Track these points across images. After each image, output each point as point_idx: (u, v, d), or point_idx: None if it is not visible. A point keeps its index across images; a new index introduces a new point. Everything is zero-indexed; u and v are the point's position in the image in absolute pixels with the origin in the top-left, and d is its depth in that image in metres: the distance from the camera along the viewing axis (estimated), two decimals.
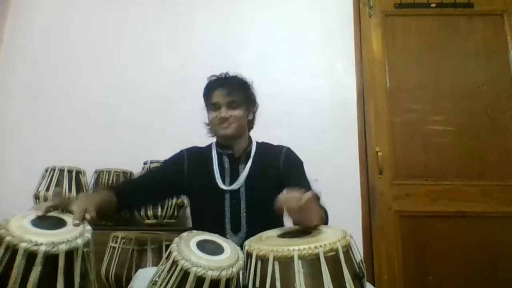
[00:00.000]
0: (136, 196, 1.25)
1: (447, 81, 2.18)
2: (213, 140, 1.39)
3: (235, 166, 1.30)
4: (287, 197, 0.90)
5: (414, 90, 2.19)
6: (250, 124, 1.38)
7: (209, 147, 1.37)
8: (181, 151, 1.36)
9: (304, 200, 0.85)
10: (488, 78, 2.17)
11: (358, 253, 0.85)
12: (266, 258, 0.78)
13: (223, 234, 1.19)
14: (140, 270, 1.11)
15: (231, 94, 1.26)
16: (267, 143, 1.39)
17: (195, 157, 1.34)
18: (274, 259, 0.77)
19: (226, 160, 1.31)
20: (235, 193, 1.27)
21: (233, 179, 1.28)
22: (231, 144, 1.32)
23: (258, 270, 0.80)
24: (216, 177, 1.27)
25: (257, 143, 1.37)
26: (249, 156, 1.31)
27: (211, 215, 1.27)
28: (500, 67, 2.19)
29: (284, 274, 0.76)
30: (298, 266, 0.75)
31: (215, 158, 1.32)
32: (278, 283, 0.75)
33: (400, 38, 2.28)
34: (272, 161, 1.31)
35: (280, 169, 1.30)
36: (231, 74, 1.35)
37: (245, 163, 1.30)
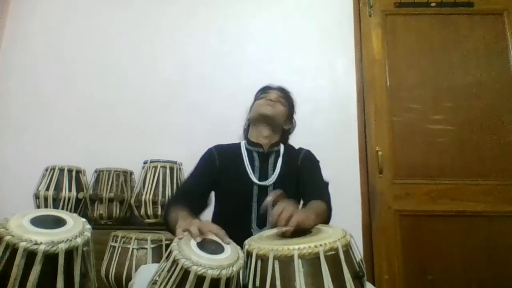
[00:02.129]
0: (199, 206, 1.26)
1: (447, 80, 2.18)
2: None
3: (265, 163, 1.36)
4: (276, 219, 0.91)
5: (414, 89, 2.19)
6: (285, 136, 1.50)
7: (237, 145, 1.44)
8: (209, 149, 1.42)
9: (291, 225, 0.86)
10: (488, 77, 2.17)
11: (358, 252, 0.85)
12: (266, 257, 0.78)
13: (248, 228, 1.26)
14: (142, 266, 1.11)
15: (281, 92, 1.46)
16: (290, 145, 1.48)
17: (224, 153, 1.39)
18: (274, 258, 0.77)
19: (256, 157, 1.37)
20: (263, 189, 1.31)
21: (262, 175, 1.33)
22: (262, 142, 1.39)
23: (258, 269, 0.79)
24: (249, 172, 1.33)
25: (284, 145, 1.45)
26: (279, 155, 1.39)
27: (238, 210, 1.30)
28: (500, 66, 2.19)
29: (284, 273, 0.76)
30: (298, 265, 0.75)
31: (245, 155, 1.37)
32: (278, 283, 0.75)
33: (400, 37, 2.28)
34: (293, 159, 1.39)
35: (298, 165, 1.38)
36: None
37: (275, 161, 1.37)
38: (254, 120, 1.42)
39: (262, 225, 1.27)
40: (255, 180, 1.31)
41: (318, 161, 1.42)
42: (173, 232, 1.16)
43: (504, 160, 2.05)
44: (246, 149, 1.40)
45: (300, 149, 1.45)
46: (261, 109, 1.39)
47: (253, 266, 0.80)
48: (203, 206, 1.33)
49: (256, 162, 1.36)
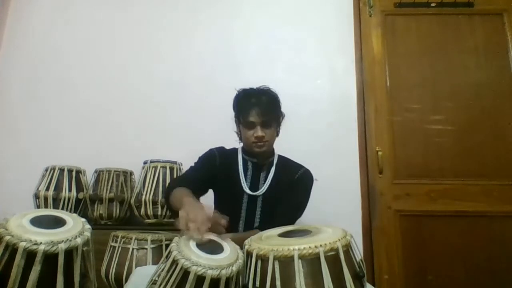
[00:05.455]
0: (198, 194, 1.26)
1: (447, 81, 2.18)
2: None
3: (257, 173, 1.39)
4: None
5: (414, 89, 2.19)
6: (276, 135, 1.43)
7: (234, 150, 1.45)
8: (211, 150, 1.42)
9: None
10: (488, 77, 2.17)
11: (358, 252, 0.85)
12: (266, 257, 0.78)
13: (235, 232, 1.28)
14: (138, 268, 1.11)
15: (265, 114, 1.32)
16: (288, 159, 1.46)
17: (225, 157, 1.41)
18: (274, 258, 0.77)
19: (250, 166, 1.40)
20: (253, 198, 1.35)
21: (253, 185, 1.37)
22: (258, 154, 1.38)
23: (258, 269, 0.79)
24: (242, 181, 1.36)
25: (279, 156, 1.45)
26: (272, 166, 1.40)
27: (228, 215, 1.28)
28: (500, 66, 2.18)
29: (284, 274, 0.76)
30: (298, 266, 0.75)
31: (240, 163, 1.40)
32: (278, 283, 0.75)
33: (400, 37, 2.28)
34: (289, 174, 1.38)
35: (294, 181, 1.36)
36: (261, 87, 1.40)
37: (267, 172, 1.39)
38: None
39: (248, 230, 1.30)
40: (246, 189, 1.35)
41: (312, 182, 1.39)
42: (175, 213, 1.14)
43: (504, 160, 2.05)
44: (242, 157, 1.41)
45: (300, 166, 1.41)
46: (254, 150, 1.35)
47: (253, 266, 0.80)
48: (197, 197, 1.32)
49: (249, 171, 1.39)
